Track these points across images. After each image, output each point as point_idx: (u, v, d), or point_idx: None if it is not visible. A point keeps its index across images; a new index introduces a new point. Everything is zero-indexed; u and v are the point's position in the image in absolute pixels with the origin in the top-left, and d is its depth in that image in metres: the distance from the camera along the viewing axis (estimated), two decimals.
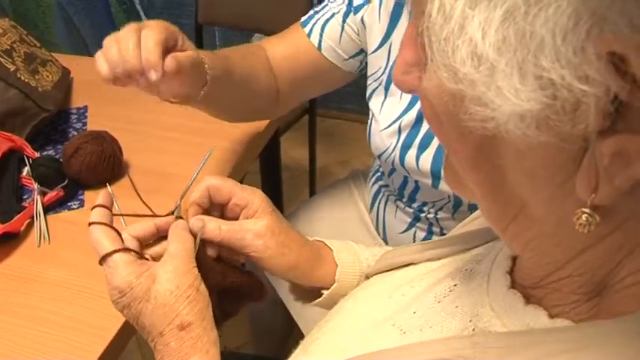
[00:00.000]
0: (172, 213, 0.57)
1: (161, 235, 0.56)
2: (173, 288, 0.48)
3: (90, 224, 0.52)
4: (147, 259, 0.53)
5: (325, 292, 0.60)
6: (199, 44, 1.72)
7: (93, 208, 0.53)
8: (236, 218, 0.59)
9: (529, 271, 0.36)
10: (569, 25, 0.22)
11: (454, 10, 0.25)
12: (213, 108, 0.81)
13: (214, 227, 0.55)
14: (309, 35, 0.84)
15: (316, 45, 0.84)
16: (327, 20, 0.83)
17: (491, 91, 0.25)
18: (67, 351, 0.67)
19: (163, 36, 0.65)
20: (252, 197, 0.58)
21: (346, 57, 0.85)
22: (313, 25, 0.84)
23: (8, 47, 1.05)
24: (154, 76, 0.62)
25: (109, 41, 0.65)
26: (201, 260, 0.54)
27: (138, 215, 0.58)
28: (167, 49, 0.65)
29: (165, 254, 0.52)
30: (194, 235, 0.55)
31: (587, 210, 0.26)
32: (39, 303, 0.73)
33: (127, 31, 0.65)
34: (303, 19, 0.86)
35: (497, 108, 0.25)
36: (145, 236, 0.55)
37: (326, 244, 0.62)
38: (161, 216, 0.57)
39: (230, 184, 0.58)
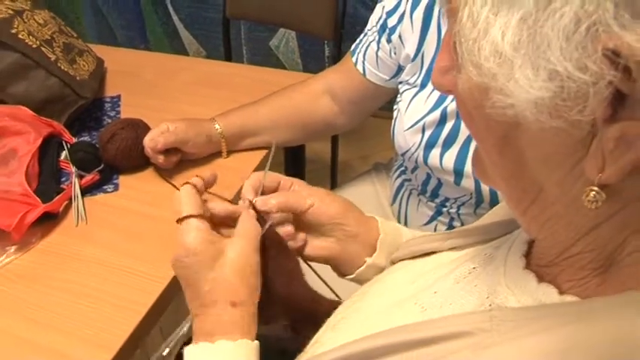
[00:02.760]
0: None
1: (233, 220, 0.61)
2: (239, 267, 0.54)
3: (184, 183, 0.58)
4: (219, 233, 0.57)
5: (369, 260, 0.63)
6: (226, 38, 1.76)
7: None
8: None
9: (544, 251, 0.39)
10: (571, 27, 0.27)
11: (480, 16, 0.30)
12: (268, 141, 1.02)
13: (276, 201, 0.60)
14: (355, 64, 0.96)
15: (361, 72, 0.95)
16: (367, 48, 0.94)
17: (509, 82, 0.30)
18: (104, 322, 0.71)
19: (152, 136, 0.93)
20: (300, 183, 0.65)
21: (387, 78, 0.94)
22: (358, 54, 0.96)
23: (49, 37, 1.10)
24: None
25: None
26: (269, 246, 0.59)
27: (214, 194, 0.65)
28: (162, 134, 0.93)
29: (234, 235, 0.56)
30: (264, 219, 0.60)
31: (594, 188, 0.30)
32: (76, 278, 0.78)
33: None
34: (352, 47, 0.98)
35: (515, 97, 0.29)
36: (221, 214, 0.60)
37: (374, 217, 0.67)
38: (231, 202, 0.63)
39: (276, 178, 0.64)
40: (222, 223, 0.61)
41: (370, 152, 2.26)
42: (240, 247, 0.54)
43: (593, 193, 0.30)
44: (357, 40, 0.97)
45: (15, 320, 0.72)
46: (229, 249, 0.54)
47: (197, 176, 0.61)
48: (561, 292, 0.37)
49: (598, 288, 0.35)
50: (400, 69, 0.90)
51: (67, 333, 0.71)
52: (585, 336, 0.32)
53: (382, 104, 1.02)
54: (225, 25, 1.75)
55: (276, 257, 0.59)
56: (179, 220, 0.55)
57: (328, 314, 0.58)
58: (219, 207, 0.61)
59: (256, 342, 0.53)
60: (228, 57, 1.80)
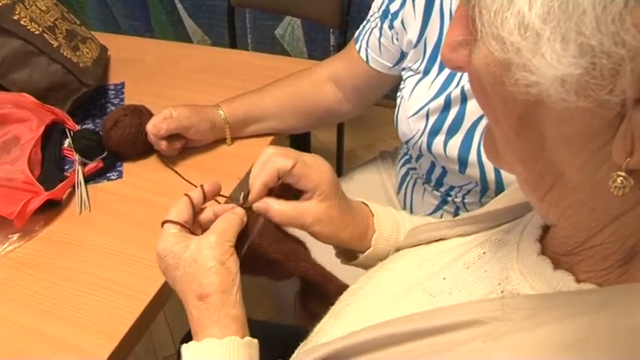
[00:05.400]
0: (242, 205, 0.60)
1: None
2: (197, 257, 0.52)
3: (185, 194, 0.58)
4: (194, 234, 0.56)
5: (361, 255, 0.63)
6: (231, 27, 1.75)
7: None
8: (300, 190, 0.61)
9: (564, 240, 0.37)
10: None
11: None
12: (272, 127, 1.01)
13: (277, 209, 0.59)
14: (359, 52, 0.95)
15: (365, 59, 0.94)
16: (369, 35, 0.92)
17: (535, 57, 0.27)
18: (108, 310, 0.71)
19: (154, 122, 0.92)
20: (321, 180, 0.60)
21: (390, 65, 0.92)
22: (361, 42, 0.94)
23: (51, 24, 1.09)
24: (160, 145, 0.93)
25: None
26: (265, 238, 0.58)
27: (222, 196, 0.64)
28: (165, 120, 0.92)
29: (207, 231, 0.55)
30: (260, 216, 0.58)
31: (622, 173, 0.28)
32: (80, 266, 0.77)
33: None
34: (355, 34, 0.96)
35: (540, 73, 0.27)
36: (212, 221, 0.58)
37: (370, 211, 0.65)
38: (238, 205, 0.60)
39: (299, 168, 0.59)
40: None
41: (376, 141, 2.24)
42: (206, 240, 0.53)
43: (621, 178, 0.28)
44: (360, 27, 0.96)
45: (17, 308, 0.72)
46: (193, 244, 0.53)
47: (200, 186, 0.60)
48: (578, 281, 0.35)
49: (619, 279, 0.34)
50: (403, 55, 0.89)
51: (70, 321, 0.70)
52: (604, 325, 0.31)
53: (387, 91, 1.00)
54: (230, 14, 1.74)
55: (275, 242, 0.59)
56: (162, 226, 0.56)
57: (339, 293, 0.57)
58: (209, 215, 0.59)
59: (247, 339, 0.50)
60: (233, 46, 1.78)
